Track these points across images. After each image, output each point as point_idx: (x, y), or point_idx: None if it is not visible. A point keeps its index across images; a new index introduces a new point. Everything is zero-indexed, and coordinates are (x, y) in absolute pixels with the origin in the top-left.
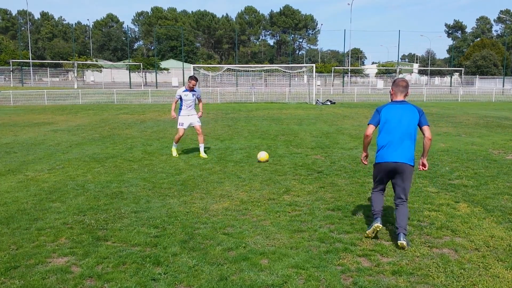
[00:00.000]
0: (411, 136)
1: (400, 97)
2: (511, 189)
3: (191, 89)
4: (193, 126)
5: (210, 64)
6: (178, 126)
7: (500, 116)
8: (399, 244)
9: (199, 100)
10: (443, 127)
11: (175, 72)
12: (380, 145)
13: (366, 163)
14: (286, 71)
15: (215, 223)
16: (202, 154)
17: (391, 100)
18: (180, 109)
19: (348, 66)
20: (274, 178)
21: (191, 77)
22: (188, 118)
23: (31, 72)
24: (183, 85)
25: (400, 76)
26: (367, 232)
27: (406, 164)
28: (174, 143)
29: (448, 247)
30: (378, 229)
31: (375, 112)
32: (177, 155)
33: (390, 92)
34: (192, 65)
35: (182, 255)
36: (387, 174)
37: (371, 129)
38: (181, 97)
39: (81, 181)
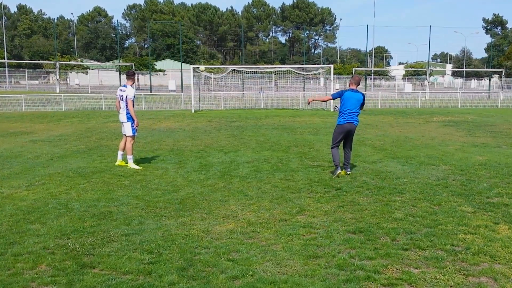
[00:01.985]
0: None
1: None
2: None
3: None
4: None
5: (213, 64)
6: (136, 133)
7: None
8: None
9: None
10: (480, 137)
11: (172, 74)
12: None
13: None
14: (300, 72)
15: (218, 248)
16: (135, 166)
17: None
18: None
19: (371, 67)
20: (286, 196)
21: (133, 72)
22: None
23: (7, 74)
24: (181, 89)
25: (431, 78)
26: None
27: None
28: (130, 155)
29: (486, 275)
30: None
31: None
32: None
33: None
34: (191, 66)
35: (180, 284)
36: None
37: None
38: (134, 97)
39: (64, 200)
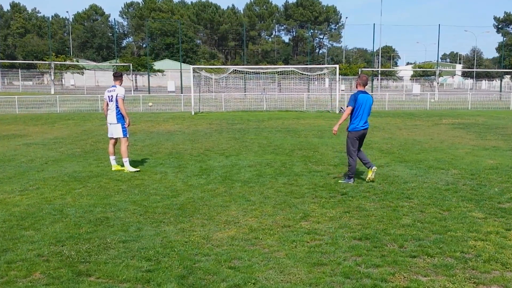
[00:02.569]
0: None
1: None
2: None
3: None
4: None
5: (213, 65)
6: (128, 135)
7: None
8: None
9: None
10: (491, 140)
11: (171, 74)
12: None
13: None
14: (304, 73)
15: (219, 255)
16: (131, 168)
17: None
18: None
19: (378, 68)
20: (289, 201)
21: (120, 73)
22: None
23: (0, 75)
24: (181, 90)
25: (441, 79)
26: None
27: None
28: (125, 157)
29: (498, 284)
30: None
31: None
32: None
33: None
34: (191, 66)
35: None
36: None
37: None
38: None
39: (59, 205)
